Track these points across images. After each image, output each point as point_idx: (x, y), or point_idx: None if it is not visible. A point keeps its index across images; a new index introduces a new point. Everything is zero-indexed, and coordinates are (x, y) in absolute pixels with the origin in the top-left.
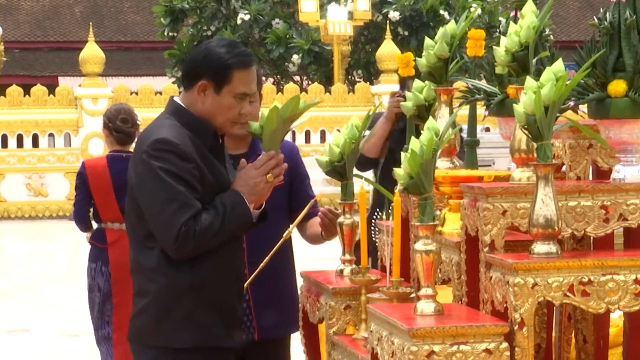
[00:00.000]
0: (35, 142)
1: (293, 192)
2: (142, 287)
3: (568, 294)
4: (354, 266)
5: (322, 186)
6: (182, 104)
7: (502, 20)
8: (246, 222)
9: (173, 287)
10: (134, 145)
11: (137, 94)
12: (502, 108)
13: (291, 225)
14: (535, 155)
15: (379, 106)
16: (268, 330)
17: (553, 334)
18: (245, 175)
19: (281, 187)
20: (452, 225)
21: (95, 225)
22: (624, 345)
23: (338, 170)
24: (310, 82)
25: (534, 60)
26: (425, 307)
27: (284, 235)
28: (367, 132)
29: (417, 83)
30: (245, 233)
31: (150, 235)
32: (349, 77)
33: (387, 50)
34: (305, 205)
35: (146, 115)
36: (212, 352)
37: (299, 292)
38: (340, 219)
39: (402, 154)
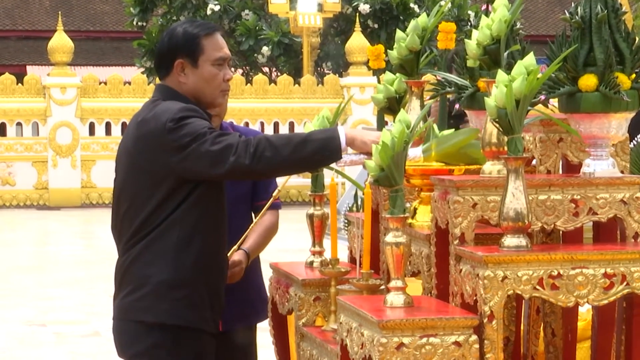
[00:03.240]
0: (2, 131)
1: (256, 182)
2: (138, 273)
3: (537, 287)
4: (323, 258)
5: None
6: (173, 88)
7: (472, 13)
8: (331, 153)
9: (176, 268)
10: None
11: (105, 83)
12: (473, 101)
13: (256, 218)
14: (506, 148)
15: (350, 99)
16: (232, 321)
17: (522, 328)
18: (366, 133)
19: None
20: (423, 217)
21: None
22: (592, 339)
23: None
24: (279, 74)
25: (505, 54)
26: (395, 299)
27: (251, 226)
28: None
29: (388, 75)
30: (327, 164)
31: (162, 222)
32: (318, 69)
33: (357, 43)
34: (268, 196)
35: (115, 105)
36: (204, 335)
37: (267, 282)
38: (311, 211)
39: (374, 146)
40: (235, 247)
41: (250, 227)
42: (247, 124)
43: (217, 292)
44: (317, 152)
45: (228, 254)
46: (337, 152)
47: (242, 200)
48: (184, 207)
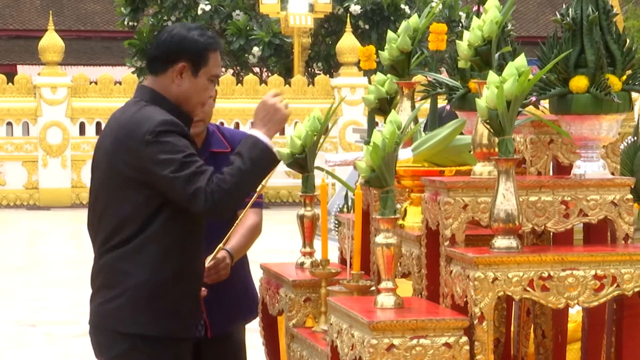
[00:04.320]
0: None
1: None
2: (116, 277)
3: (528, 288)
4: (314, 258)
5: (281, 178)
6: (158, 91)
7: (463, 14)
8: (269, 158)
9: (157, 278)
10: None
11: (96, 83)
12: (464, 102)
13: (240, 215)
14: (496, 149)
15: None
16: (221, 325)
17: (512, 329)
18: (264, 105)
19: None
20: (413, 218)
21: None
22: (582, 340)
23: (299, 162)
24: (270, 74)
25: (496, 55)
26: (386, 300)
27: (234, 225)
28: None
29: (379, 76)
30: (272, 169)
31: (141, 226)
32: (309, 69)
33: (348, 43)
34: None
35: (105, 105)
36: (183, 342)
37: (257, 283)
38: (301, 211)
39: (365, 147)
40: (220, 244)
41: (233, 226)
42: (237, 124)
43: (195, 298)
44: (262, 167)
45: (212, 254)
46: (270, 152)
47: None
48: (163, 215)
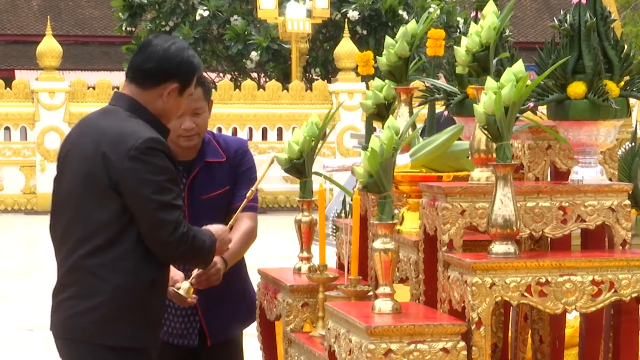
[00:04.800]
0: None
1: (234, 188)
2: (91, 286)
3: (525, 294)
4: (312, 264)
5: (279, 184)
6: (141, 103)
7: (460, 20)
8: (207, 262)
9: (133, 287)
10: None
11: (94, 88)
12: (461, 108)
13: (230, 222)
14: (494, 155)
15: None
16: (219, 333)
17: (509, 334)
18: (224, 234)
19: (227, 190)
20: (411, 224)
21: None
22: (580, 346)
23: (297, 167)
24: (268, 79)
25: (494, 61)
26: (383, 305)
27: (248, 194)
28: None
29: (377, 82)
30: (199, 267)
31: (118, 232)
32: (307, 74)
33: (345, 49)
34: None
35: None
36: (154, 352)
37: (255, 288)
38: (299, 216)
39: (362, 152)
40: None
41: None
42: (235, 129)
43: (164, 307)
44: (201, 256)
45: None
46: (212, 255)
47: (219, 204)
48: (136, 227)
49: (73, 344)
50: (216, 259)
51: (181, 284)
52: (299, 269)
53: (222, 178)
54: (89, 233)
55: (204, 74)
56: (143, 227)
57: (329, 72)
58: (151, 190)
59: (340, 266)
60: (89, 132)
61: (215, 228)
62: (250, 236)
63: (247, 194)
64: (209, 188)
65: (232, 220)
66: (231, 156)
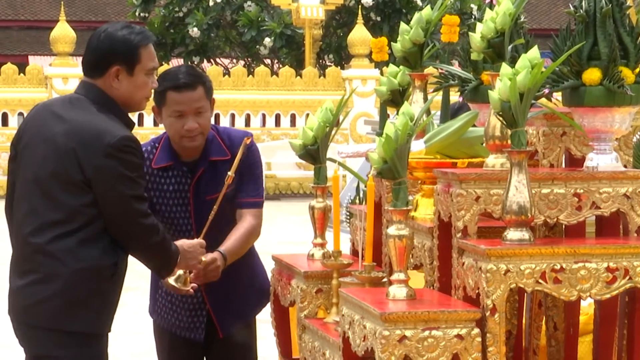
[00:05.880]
0: (4, 121)
1: (242, 181)
2: (51, 270)
3: (540, 281)
4: (326, 250)
5: (292, 170)
6: (105, 92)
7: (474, 7)
8: (167, 270)
9: (92, 273)
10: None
11: None
12: (476, 94)
13: (230, 172)
14: (509, 142)
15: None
16: (230, 326)
17: (524, 321)
18: (192, 248)
19: (233, 189)
20: (425, 210)
21: None
22: (594, 333)
23: (311, 153)
24: (281, 66)
25: (509, 48)
26: (398, 291)
27: (226, 180)
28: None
29: (391, 68)
30: (157, 274)
31: (85, 222)
32: (320, 61)
33: (359, 35)
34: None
35: None
36: (106, 336)
37: (269, 274)
38: (313, 203)
39: (377, 138)
40: (212, 214)
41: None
42: (248, 115)
43: (119, 296)
44: (160, 263)
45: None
46: (173, 266)
47: (227, 200)
48: (102, 219)
49: (33, 330)
50: (215, 254)
51: (174, 276)
52: (313, 255)
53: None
54: (55, 220)
55: (219, 59)
56: (117, 219)
57: (343, 58)
58: (127, 185)
59: (355, 252)
60: (54, 121)
61: (187, 243)
62: (251, 234)
63: (226, 179)
64: (214, 188)
65: (212, 214)
66: (235, 153)
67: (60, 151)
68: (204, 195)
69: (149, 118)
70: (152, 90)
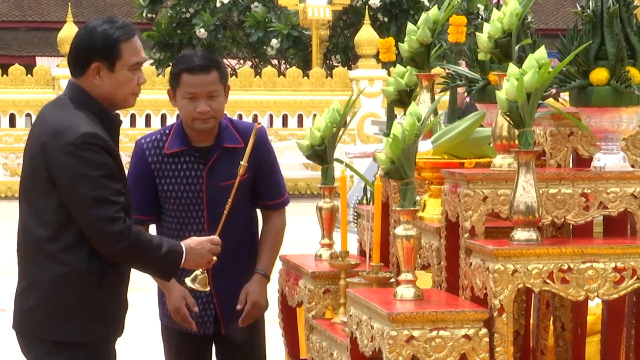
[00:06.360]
0: (12, 122)
1: (258, 180)
2: (33, 278)
3: (548, 281)
4: (333, 250)
5: (299, 170)
6: (87, 91)
7: (481, 7)
8: (168, 271)
9: (74, 279)
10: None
11: None
12: (483, 94)
13: (242, 161)
14: (516, 142)
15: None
16: (233, 323)
17: (531, 321)
18: (201, 245)
19: (247, 177)
20: (433, 210)
21: None
22: (602, 333)
23: (319, 154)
24: (288, 66)
25: (516, 48)
26: (405, 292)
27: (239, 170)
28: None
29: (398, 68)
30: (161, 277)
31: (59, 226)
32: (327, 61)
33: (366, 36)
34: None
35: None
36: (109, 344)
37: (277, 275)
38: (320, 203)
39: (384, 138)
40: (227, 207)
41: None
42: (255, 116)
43: (120, 304)
44: (158, 269)
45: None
46: (173, 269)
47: (242, 202)
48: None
49: (26, 339)
50: (258, 283)
51: (190, 277)
52: (321, 256)
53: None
54: (35, 225)
55: (226, 60)
56: (81, 223)
57: (350, 59)
58: (86, 186)
59: (362, 253)
60: (38, 122)
61: (194, 240)
62: (279, 236)
63: (238, 169)
64: (228, 175)
65: (227, 207)
66: (248, 141)
67: (34, 151)
68: (217, 181)
69: (140, 119)
70: (140, 86)
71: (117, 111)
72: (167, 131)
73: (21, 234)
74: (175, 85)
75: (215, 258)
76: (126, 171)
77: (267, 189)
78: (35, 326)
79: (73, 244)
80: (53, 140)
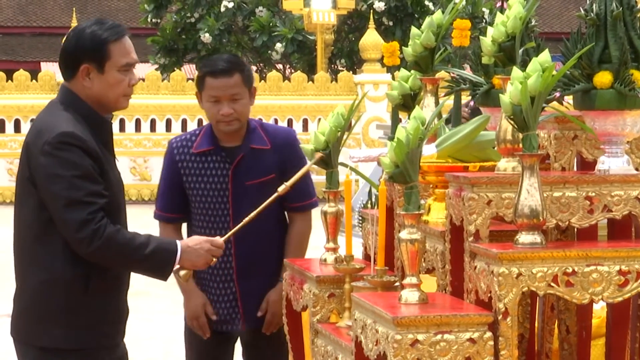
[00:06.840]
0: (17, 128)
1: (283, 181)
2: (20, 283)
3: (552, 284)
4: (338, 254)
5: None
6: (76, 93)
7: (486, 10)
8: (159, 270)
9: (58, 285)
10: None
11: None
12: (487, 98)
13: (284, 187)
14: (520, 145)
15: (364, 96)
16: (255, 320)
17: (536, 325)
18: (199, 245)
19: (273, 178)
20: (437, 214)
21: None
22: (607, 336)
23: (323, 158)
24: (293, 71)
25: (520, 51)
26: (410, 295)
27: (280, 190)
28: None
29: (402, 72)
30: (155, 277)
31: (41, 230)
32: (332, 66)
33: (371, 40)
34: (296, 196)
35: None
36: (103, 350)
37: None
38: (325, 207)
39: (389, 142)
40: (248, 218)
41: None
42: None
43: (110, 309)
44: (148, 268)
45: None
46: (167, 268)
47: (263, 192)
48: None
49: (17, 344)
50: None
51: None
52: (325, 260)
53: (267, 166)
54: (23, 228)
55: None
56: (57, 224)
57: (355, 63)
58: (60, 186)
59: (367, 257)
60: (31, 127)
61: (193, 240)
62: (302, 241)
63: (280, 189)
64: (254, 174)
65: (287, 186)
66: (277, 145)
67: (22, 152)
68: (243, 180)
69: (145, 124)
70: (133, 87)
71: (120, 113)
72: (198, 132)
73: (14, 238)
74: (201, 88)
75: (214, 259)
76: (126, 172)
77: (292, 190)
78: (24, 331)
79: (58, 249)
80: (34, 139)
